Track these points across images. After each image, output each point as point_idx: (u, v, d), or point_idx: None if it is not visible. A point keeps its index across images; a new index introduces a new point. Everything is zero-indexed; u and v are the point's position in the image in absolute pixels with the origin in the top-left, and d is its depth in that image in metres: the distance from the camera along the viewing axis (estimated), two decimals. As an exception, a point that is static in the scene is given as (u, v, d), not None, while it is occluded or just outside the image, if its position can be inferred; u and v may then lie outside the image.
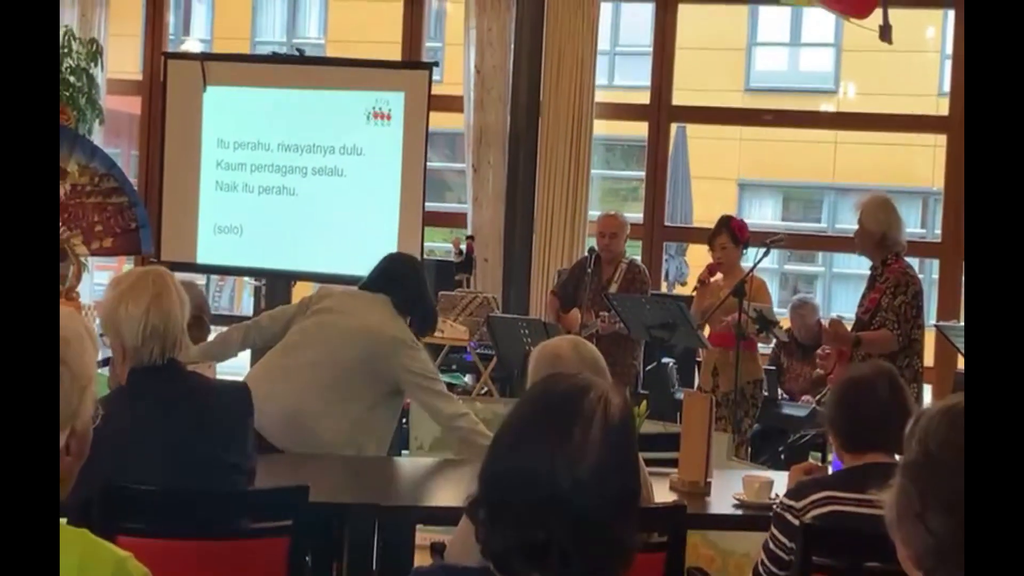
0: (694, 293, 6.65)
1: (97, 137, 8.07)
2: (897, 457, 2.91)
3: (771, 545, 3.05)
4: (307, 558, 3.45)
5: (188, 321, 3.19)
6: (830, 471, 3.54)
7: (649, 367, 7.15)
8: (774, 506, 3.21)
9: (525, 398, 1.79)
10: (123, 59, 9.29)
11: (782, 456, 6.72)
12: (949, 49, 9.34)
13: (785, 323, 7.27)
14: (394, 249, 7.34)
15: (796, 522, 2.98)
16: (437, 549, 3.53)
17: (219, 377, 4.38)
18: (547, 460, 1.63)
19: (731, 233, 6.43)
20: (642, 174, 8.81)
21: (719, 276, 6.49)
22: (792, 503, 3.03)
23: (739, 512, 3.82)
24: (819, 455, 6.65)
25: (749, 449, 6.64)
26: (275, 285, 8.07)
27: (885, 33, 6.32)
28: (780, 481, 3.84)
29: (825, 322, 5.80)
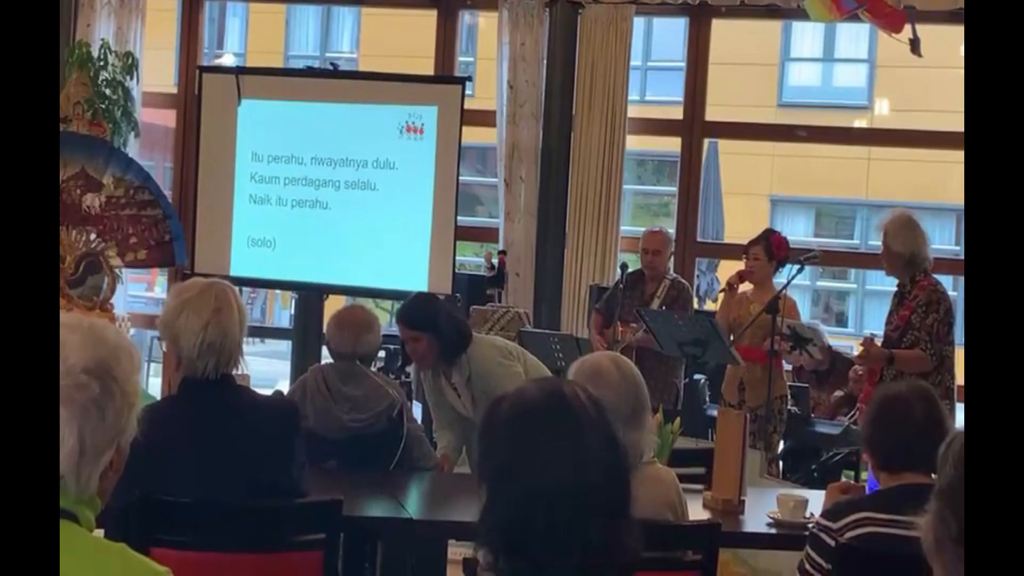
0: (720, 296, 6.63)
1: (132, 150, 8.12)
2: (933, 476, 2.89)
3: (807, 566, 3.03)
4: (339, 572, 3.45)
5: None
6: (866, 490, 3.52)
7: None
8: (810, 526, 3.19)
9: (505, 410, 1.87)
10: (158, 72, 9.33)
11: (815, 474, 6.67)
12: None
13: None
14: (426, 263, 7.42)
15: (833, 543, 2.96)
16: (470, 564, 3.52)
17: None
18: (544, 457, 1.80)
19: (767, 246, 6.40)
20: (674, 189, 8.78)
21: (749, 288, 6.47)
22: (829, 524, 3.00)
23: (773, 531, 3.80)
24: (852, 473, 6.60)
25: (780, 465, 6.59)
26: (307, 298, 8.09)
27: (915, 46, 6.28)
28: (814, 500, 3.82)
29: (858, 342, 5.77)
